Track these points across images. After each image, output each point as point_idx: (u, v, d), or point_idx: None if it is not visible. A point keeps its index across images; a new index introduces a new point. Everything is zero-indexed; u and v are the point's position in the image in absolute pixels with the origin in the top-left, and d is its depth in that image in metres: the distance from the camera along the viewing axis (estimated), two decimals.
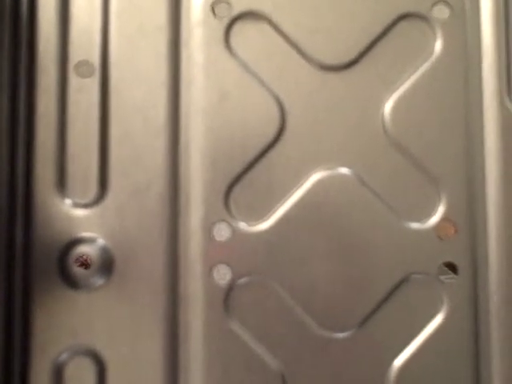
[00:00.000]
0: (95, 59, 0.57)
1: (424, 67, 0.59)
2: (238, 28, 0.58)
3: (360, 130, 0.58)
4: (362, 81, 0.58)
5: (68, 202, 0.55)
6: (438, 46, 0.59)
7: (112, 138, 0.56)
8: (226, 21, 0.58)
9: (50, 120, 0.56)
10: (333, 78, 0.58)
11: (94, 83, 0.56)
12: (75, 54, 0.57)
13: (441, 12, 0.60)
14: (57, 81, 0.56)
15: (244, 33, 0.58)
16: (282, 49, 0.58)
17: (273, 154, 0.57)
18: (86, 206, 0.56)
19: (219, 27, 0.58)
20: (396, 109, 0.58)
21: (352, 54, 0.59)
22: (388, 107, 0.58)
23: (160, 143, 0.56)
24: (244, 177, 0.57)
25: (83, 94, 0.56)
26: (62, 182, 0.56)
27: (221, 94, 0.57)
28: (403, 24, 0.59)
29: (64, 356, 0.55)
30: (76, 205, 0.56)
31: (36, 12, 0.57)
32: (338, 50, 0.59)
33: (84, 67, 0.57)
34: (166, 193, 0.56)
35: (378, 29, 0.59)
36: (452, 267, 0.57)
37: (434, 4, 0.59)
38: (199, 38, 0.58)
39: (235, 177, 0.57)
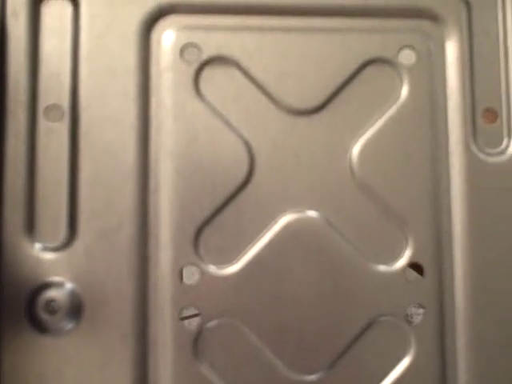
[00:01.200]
0: (65, 103, 0.57)
1: (391, 111, 0.60)
2: (207, 72, 0.59)
3: (328, 173, 0.59)
4: (330, 125, 0.59)
5: (37, 245, 0.55)
6: (405, 90, 0.60)
7: (82, 181, 0.56)
8: (195, 65, 0.59)
9: (19, 164, 0.56)
10: (301, 122, 0.59)
11: (63, 127, 0.57)
12: (44, 98, 0.57)
13: (407, 57, 0.61)
14: (26, 125, 0.56)
15: (213, 77, 0.59)
16: (251, 93, 0.59)
17: (242, 197, 0.58)
18: (54, 249, 0.55)
19: (188, 71, 0.59)
20: (363, 152, 0.59)
21: (320, 99, 0.59)
22: (355, 151, 0.59)
23: (130, 186, 0.56)
24: (213, 220, 0.57)
25: (53, 137, 0.56)
26: (30, 226, 0.55)
27: (190, 137, 0.58)
28: (370, 69, 0.61)
29: None
30: (45, 248, 0.55)
31: (5, 55, 0.57)
32: (306, 95, 0.59)
33: (53, 111, 0.57)
34: (136, 235, 0.56)
35: (345, 73, 0.60)
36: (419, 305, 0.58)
37: (400, 49, 0.61)
38: (168, 82, 0.58)
39: (204, 220, 0.57)
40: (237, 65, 0.59)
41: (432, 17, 0.62)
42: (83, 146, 0.57)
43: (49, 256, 0.55)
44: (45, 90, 0.57)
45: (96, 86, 0.57)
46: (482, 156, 0.60)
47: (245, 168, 0.58)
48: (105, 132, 0.57)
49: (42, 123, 0.57)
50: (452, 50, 0.61)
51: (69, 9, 0.58)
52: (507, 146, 0.61)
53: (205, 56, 0.59)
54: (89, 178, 0.56)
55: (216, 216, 0.57)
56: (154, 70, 0.59)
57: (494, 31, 0.62)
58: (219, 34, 0.60)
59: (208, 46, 0.59)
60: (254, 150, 0.58)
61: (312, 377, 0.57)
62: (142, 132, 0.57)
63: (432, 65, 0.61)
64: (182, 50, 0.59)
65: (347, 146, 0.59)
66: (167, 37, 0.59)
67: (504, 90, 0.61)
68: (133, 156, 0.57)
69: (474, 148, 0.60)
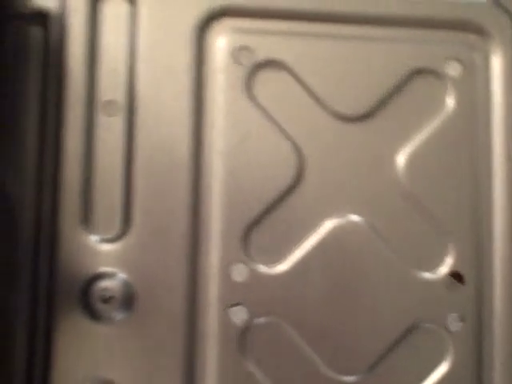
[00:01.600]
0: (121, 98, 0.59)
1: (436, 122, 0.61)
2: (259, 75, 0.60)
3: (374, 179, 0.60)
4: (377, 132, 0.61)
5: (92, 236, 0.57)
6: (450, 101, 0.62)
7: (136, 175, 0.57)
8: (247, 68, 0.60)
9: (76, 157, 0.57)
10: (349, 128, 0.61)
11: (119, 122, 0.58)
12: (102, 93, 0.59)
13: (453, 69, 0.62)
14: (84, 119, 0.58)
15: (265, 80, 0.60)
16: (301, 97, 0.61)
17: (290, 199, 0.59)
18: (109, 240, 0.57)
19: (240, 73, 0.60)
20: (409, 161, 0.60)
21: (368, 107, 0.61)
22: (401, 159, 0.61)
23: (183, 182, 0.58)
24: (262, 219, 0.59)
25: (109, 132, 0.58)
26: (86, 218, 0.57)
27: (241, 137, 0.59)
28: (417, 79, 0.62)
29: None
30: (100, 240, 0.57)
31: (65, 51, 0.58)
32: (355, 102, 0.61)
33: (111, 106, 0.58)
34: (187, 231, 0.57)
35: (393, 82, 0.61)
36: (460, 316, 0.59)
37: (447, 60, 0.62)
38: (221, 83, 0.60)
39: (253, 219, 0.58)
40: (288, 69, 0.61)
41: (478, 30, 0.63)
42: (139, 142, 0.58)
43: (103, 247, 0.57)
44: (103, 86, 0.59)
45: (152, 83, 0.59)
46: None
47: (294, 171, 0.59)
48: (159, 128, 0.58)
49: (100, 117, 0.58)
50: (497, 64, 0.63)
51: (126, 8, 0.60)
52: None
53: (257, 59, 0.61)
54: (143, 173, 0.58)
55: (265, 216, 0.59)
56: (207, 70, 0.60)
57: None
58: (272, 39, 0.61)
59: (260, 50, 0.61)
60: (302, 153, 0.60)
61: (351, 378, 0.58)
62: (195, 130, 0.59)
63: (477, 78, 0.63)
64: (235, 53, 0.61)
65: (393, 154, 0.61)
66: (221, 39, 0.61)
67: None
68: (186, 152, 0.58)
69: None
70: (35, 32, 0.59)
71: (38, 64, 0.58)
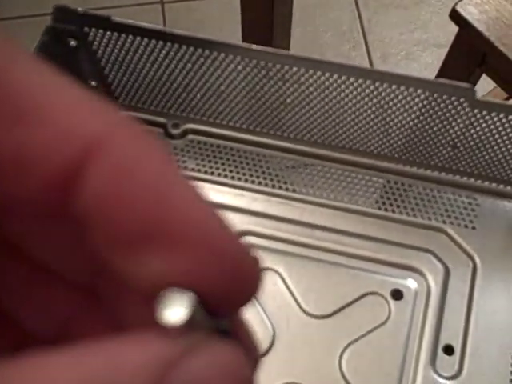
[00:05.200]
0: None
1: (376, 330, 0.86)
2: None
3: (323, 361, 0.85)
4: (331, 328, 0.87)
5: None
6: (391, 317, 0.87)
7: None
8: None
9: None
10: (313, 322, 0.87)
11: None
12: None
13: (395, 295, 0.88)
14: None
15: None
16: (284, 296, 0.88)
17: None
18: None
19: None
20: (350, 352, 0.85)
21: (329, 310, 0.87)
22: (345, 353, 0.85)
23: None
24: None
25: None
26: None
27: None
28: (368, 297, 0.88)
29: None
30: None
31: None
32: (322, 306, 0.88)
33: None
34: None
35: (352, 296, 0.88)
36: None
37: (392, 290, 0.89)
38: None
39: None
40: (280, 276, 0.89)
41: (420, 273, 0.90)
42: None
43: None
44: None
45: None
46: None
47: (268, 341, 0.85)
48: None
49: None
50: (433, 297, 0.88)
51: None
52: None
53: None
54: None
55: None
56: None
57: (466, 292, 0.89)
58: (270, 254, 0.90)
59: (264, 259, 0.90)
60: (276, 331, 0.86)
61: None
62: None
63: (415, 304, 0.88)
64: None
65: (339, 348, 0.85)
66: None
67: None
68: None
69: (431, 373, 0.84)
70: None
71: None
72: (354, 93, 0.84)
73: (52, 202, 0.21)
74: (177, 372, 0.19)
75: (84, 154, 0.20)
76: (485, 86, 1.52)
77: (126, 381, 0.18)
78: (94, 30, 0.86)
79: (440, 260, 0.88)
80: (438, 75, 1.35)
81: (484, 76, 1.29)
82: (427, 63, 2.13)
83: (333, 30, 2.17)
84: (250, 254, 0.23)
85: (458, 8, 1.23)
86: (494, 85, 1.40)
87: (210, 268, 0.21)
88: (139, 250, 0.20)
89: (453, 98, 0.81)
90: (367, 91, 0.82)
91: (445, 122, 0.84)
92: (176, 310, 0.20)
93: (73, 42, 0.87)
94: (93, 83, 0.92)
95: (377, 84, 0.80)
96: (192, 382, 0.19)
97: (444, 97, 0.81)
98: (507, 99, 1.62)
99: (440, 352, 0.84)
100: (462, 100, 0.80)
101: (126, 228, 0.20)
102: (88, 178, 0.20)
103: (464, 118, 0.82)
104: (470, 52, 1.27)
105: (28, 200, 0.21)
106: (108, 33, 0.86)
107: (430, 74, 1.44)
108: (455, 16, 1.23)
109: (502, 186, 0.91)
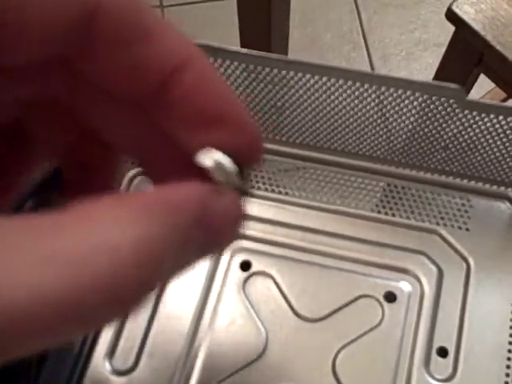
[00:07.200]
0: None
1: (369, 333, 0.86)
2: (251, 279, 0.89)
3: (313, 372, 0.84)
4: (324, 331, 0.86)
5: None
6: (384, 320, 0.87)
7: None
8: (246, 274, 0.89)
9: None
10: (305, 325, 0.87)
11: None
12: None
13: (388, 298, 0.88)
14: None
15: (254, 283, 0.89)
16: (277, 300, 0.88)
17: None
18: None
19: (241, 279, 0.89)
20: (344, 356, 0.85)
21: (322, 314, 0.87)
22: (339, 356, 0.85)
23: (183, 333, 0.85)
24: (232, 377, 0.83)
25: None
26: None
27: (231, 319, 0.86)
28: (361, 300, 0.88)
29: None
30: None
31: None
32: (315, 309, 0.87)
33: None
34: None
35: (345, 299, 0.88)
36: None
37: (385, 292, 0.88)
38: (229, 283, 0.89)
39: (226, 376, 0.83)
40: (273, 279, 0.89)
41: (413, 275, 0.89)
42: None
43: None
44: None
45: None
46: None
47: (261, 346, 0.85)
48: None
49: None
50: (426, 299, 0.88)
51: None
52: None
53: (254, 270, 0.89)
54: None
55: (235, 374, 0.84)
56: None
57: (459, 294, 0.88)
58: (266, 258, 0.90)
59: (257, 263, 0.90)
60: (269, 336, 0.86)
61: None
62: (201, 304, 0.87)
63: (409, 305, 0.88)
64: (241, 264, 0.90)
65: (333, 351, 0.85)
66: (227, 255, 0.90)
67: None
68: (190, 320, 0.86)
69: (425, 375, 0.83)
70: None
71: None
72: (344, 95, 0.84)
73: (153, 93, 0.31)
74: (214, 203, 0.29)
75: (180, 65, 0.31)
76: (485, 86, 1.51)
77: (178, 210, 0.26)
78: None
79: (433, 262, 0.88)
80: (436, 76, 1.34)
81: (484, 76, 1.28)
82: (428, 63, 2.12)
83: (333, 31, 2.16)
84: (260, 131, 0.35)
85: (454, 7, 1.22)
86: (494, 84, 1.39)
87: (243, 140, 0.32)
88: (205, 128, 0.31)
89: (443, 99, 0.80)
90: (356, 93, 0.82)
91: (435, 124, 0.83)
92: (212, 156, 0.30)
93: None
94: None
95: (366, 86, 0.80)
96: (223, 211, 0.29)
97: (434, 98, 0.80)
98: (506, 98, 1.61)
99: (434, 354, 0.83)
100: (451, 101, 0.80)
101: (201, 112, 0.31)
102: (181, 78, 0.31)
103: (455, 119, 0.82)
104: (466, 52, 1.26)
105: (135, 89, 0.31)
106: None
107: (431, 74, 1.43)
108: (451, 15, 1.23)
109: (495, 187, 0.91)
